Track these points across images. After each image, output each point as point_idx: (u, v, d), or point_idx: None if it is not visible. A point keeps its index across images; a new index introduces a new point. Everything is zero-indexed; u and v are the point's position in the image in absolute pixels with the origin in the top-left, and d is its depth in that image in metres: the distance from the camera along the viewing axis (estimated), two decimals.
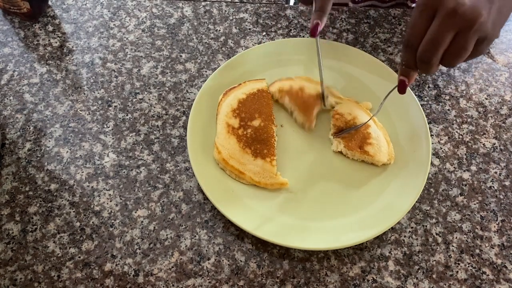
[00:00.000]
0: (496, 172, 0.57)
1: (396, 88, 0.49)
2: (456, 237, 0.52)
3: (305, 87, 0.60)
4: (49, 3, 0.72)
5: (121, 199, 0.55)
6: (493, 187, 0.56)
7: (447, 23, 0.41)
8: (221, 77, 0.62)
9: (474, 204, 0.55)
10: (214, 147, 0.56)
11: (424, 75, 0.65)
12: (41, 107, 0.62)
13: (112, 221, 0.53)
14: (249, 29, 0.70)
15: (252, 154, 0.55)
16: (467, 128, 0.60)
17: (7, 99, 0.62)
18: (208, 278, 0.50)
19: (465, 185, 0.56)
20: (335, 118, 0.58)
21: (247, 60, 0.64)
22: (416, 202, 0.54)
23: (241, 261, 0.51)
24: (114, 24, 0.70)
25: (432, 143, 0.59)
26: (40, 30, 0.69)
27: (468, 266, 0.50)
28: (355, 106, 0.59)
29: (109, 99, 0.63)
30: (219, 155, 0.55)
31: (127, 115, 0.61)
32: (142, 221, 0.53)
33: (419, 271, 0.50)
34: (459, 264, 0.51)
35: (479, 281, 0.50)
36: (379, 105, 0.54)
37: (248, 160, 0.54)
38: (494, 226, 0.53)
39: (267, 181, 0.54)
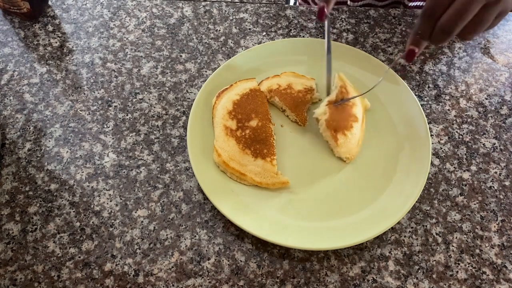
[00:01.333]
0: (496, 172, 0.57)
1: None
2: (456, 237, 0.52)
3: (292, 83, 0.61)
4: (49, 3, 0.72)
5: (121, 199, 0.55)
6: (493, 187, 0.56)
7: None
8: (221, 78, 0.62)
9: (474, 204, 0.55)
10: (214, 150, 0.56)
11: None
12: (41, 107, 0.62)
13: (112, 221, 0.53)
14: (249, 29, 0.70)
15: (252, 155, 0.55)
16: (467, 128, 0.60)
17: (7, 99, 0.62)
18: (208, 278, 0.50)
19: (465, 185, 0.56)
20: (340, 91, 0.57)
21: (247, 60, 0.64)
22: (416, 202, 0.54)
23: (241, 261, 0.51)
24: (114, 24, 0.70)
25: (432, 143, 0.59)
26: (40, 30, 0.69)
27: (468, 266, 0.50)
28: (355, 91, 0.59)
29: (109, 99, 0.63)
30: (219, 158, 0.55)
31: (127, 115, 0.61)
32: (142, 221, 0.53)
33: (419, 271, 0.50)
34: (459, 264, 0.51)
35: (479, 281, 0.50)
36: (375, 84, 0.54)
37: (248, 161, 0.54)
38: (494, 226, 0.53)
39: (268, 181, 0.54)
